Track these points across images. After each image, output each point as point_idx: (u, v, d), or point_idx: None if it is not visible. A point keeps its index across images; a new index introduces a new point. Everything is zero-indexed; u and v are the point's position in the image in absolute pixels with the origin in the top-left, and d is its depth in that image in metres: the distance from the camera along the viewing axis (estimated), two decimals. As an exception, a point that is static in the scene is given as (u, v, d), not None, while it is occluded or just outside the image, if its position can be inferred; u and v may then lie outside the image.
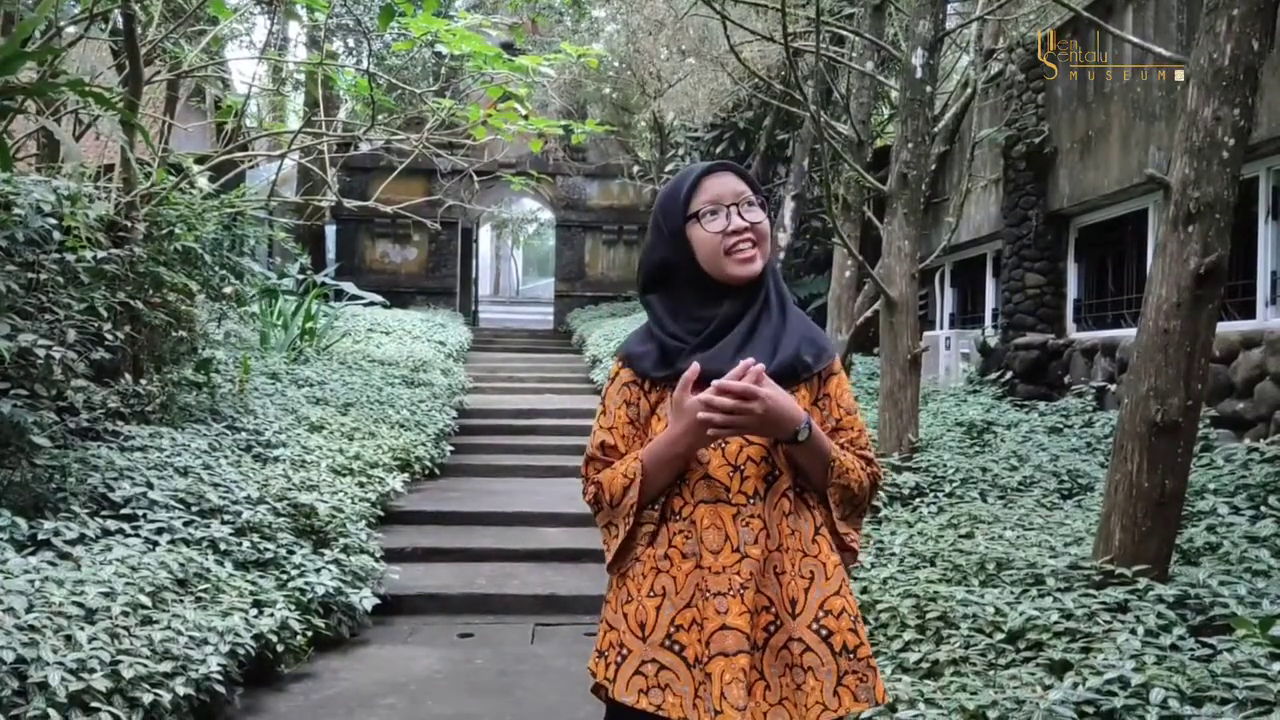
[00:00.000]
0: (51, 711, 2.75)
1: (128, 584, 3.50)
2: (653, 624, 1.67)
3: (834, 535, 1.75)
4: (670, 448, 1.67)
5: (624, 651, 1.69)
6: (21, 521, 3.78)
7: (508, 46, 9.29)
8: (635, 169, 17.88)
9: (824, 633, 1.67)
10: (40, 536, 3.78)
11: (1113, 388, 7.67)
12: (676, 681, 1.64)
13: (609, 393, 1.80)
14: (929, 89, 6.15)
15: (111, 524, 4.08)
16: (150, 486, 4.48)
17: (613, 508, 1.75)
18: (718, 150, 13.80)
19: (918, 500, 5.46)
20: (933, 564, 4.16)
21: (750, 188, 1.76)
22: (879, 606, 3.68)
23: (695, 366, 1.64)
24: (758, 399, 1.58)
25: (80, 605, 3.24)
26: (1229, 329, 6.33)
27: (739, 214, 1.72)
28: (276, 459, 5.81)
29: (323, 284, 12.75)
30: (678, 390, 1.64)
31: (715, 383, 1.59)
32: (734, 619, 1.62)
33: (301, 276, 12.47)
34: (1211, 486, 5.01)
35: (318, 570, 4.53)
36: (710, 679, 1.61)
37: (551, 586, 5.29)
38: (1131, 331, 7.04)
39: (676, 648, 1.65)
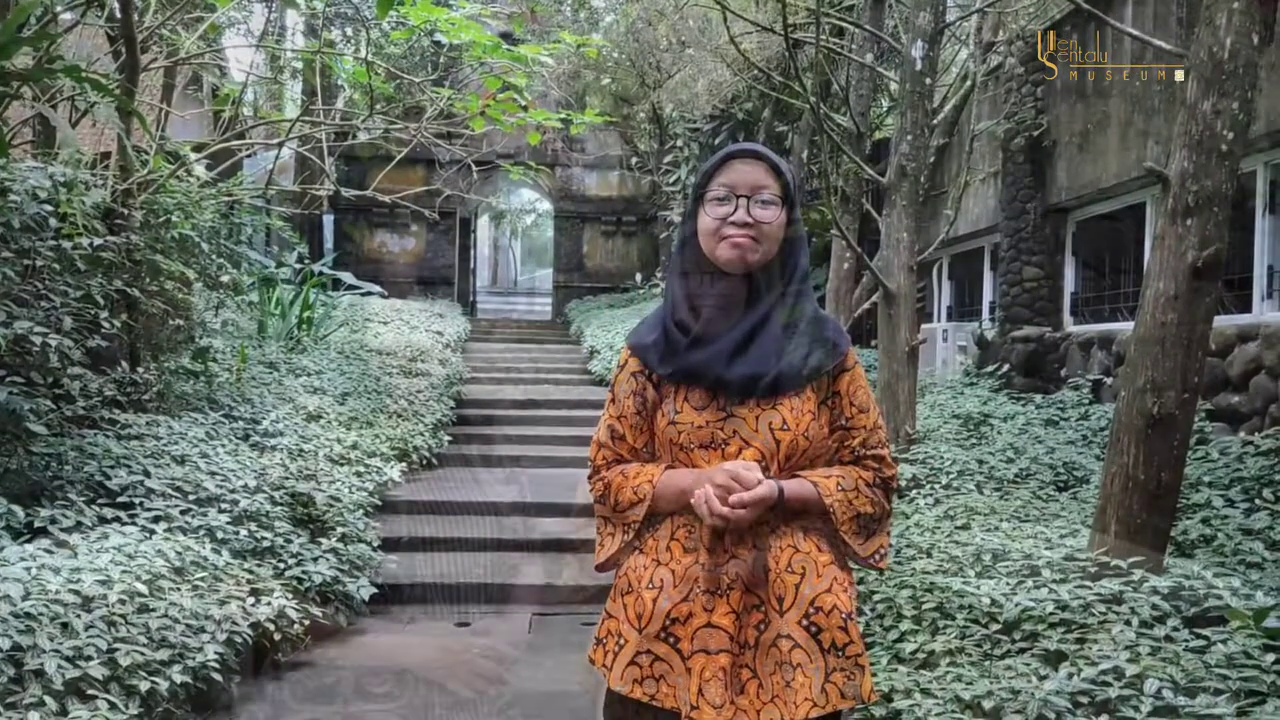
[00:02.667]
0: (48, 699, 2.76)
1: (125, 572, 3.50)
2: (649, 615, 1.69)
3: (859, 557, 1.76)
4: (682, 496, 1.68)
5: (621, 641, 1.72)
6: (18, 509, 3.78)
7: (506, 36, 9.26)
8: (634, 160, 17.85)
9: (813, 629, 1.66)
10: (36, 524, 3.78)
11: (1109, 381, 7.69)
12: (671, 673, 1.66)
13: (618, 380, 1.81)
14: (928, 81, 6.14)
15: (108, 512, 4.08)
16: (147, 475, 4.48)
17: (616, 511, 1.77)
18: (716, 142, 13.78)
19: (914, 492, 5.48)
20: (929, 555, 4.17)
21: (779, 183, 1.71)
22: (875, 597, 3.69)
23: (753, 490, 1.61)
24: (746, 505, 1.60)
25: (77, 593, 3.24)
26: (1225, 323, 6.35)
27: (748, 207, 1.68)
28: (274, 448, 5.80)
29: (320, 273, 12.73)
30: (719, 479, 1.62)
31: (715, 484, 1.61)
32: (719, 618, 1.65)
33: (299, 266, 12.45)
34: (1206, 479, 5.03)
35: (315, 559, 4.54)
36: (690, 674, 1.64)
37: (549, 576, 5.30)
38: (1128, 325, 7.04)
39: (672, 640, 1.67)
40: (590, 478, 1.85)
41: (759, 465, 1.65)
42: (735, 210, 1.68)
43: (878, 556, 1.77)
